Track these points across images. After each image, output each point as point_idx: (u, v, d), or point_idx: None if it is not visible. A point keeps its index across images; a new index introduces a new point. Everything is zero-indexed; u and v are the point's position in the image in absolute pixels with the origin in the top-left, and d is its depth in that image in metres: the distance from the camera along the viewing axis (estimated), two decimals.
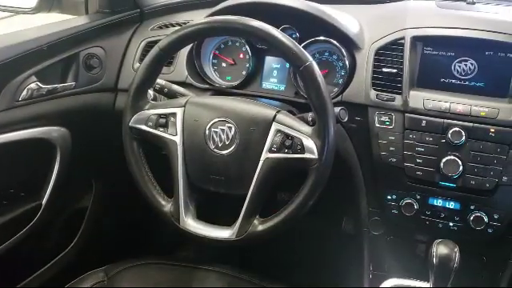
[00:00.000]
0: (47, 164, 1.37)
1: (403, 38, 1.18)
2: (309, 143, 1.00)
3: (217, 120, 1.07)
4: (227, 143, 1.06)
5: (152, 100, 1.19)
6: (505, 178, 1.09)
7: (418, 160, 1.14)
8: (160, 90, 1.20)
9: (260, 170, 1.03)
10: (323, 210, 1.32)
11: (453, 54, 1.17)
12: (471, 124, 1.11)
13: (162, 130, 1.10)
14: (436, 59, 1.18)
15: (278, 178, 1.05)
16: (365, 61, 1.21)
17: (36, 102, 1.28)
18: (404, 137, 1.15)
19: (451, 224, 1.15)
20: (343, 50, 1.23)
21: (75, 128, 1.38)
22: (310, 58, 0.99)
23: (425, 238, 1.22)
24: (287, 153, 1.01)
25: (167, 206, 1.10)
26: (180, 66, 1.36)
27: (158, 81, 1.17)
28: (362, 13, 1.33)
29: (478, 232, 1.12)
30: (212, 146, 1.07)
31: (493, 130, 1.09)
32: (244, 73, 1.36)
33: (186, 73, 1.35)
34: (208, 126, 1.07)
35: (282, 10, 1.26)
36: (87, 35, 1.39)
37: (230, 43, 1.40)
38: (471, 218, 1.12)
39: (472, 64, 1.16)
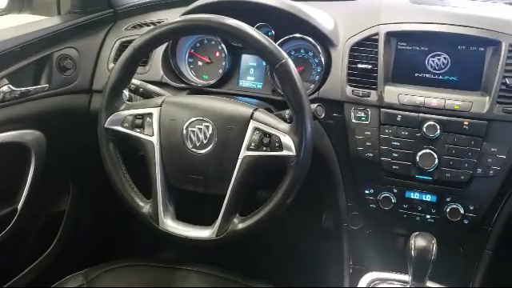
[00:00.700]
0: (22, 168, 1.34)
1: (377, 34, 1.19)
2: (286, 140, 1.00)
3: (194, 119, 1.06)
4: (205, 142, 1.05)
5: (127, 100, 1.18)
6: (479, 170, 1.11)
7: (394, 154, 1.15)
8: (135, 90, 1.19)
9: (239, 169, 1.03)
10: (303, 207, 1.32)
11: (426, 48, 1.18)
12: (445, 117, 1.12)
13: (138, 130, 1.08)
14: (410, 54, 1.19)
15: (257, 176, 1.05)
16: (340, 57, 1.22)
17: (8, 106, 1.25)
18: (380, 132, 1.16)
19: (428, 216, 1.17)
20: (319, 47, 1.24)
21: (50, 131, 1.36)
22: (286, 56, 0.99)
23: (403, 231, 1.24)
24: (265, 150, 1.01)
25: (146, 207, 1.09)
26: (155, 65, 1.35)
27: (134, 81, 1.16)
28: (336, 9, 1.34)
29: (455, 223, 1.14)
30: (190, 146, 1.06)
31: (466, 123, 1.11)
32: (220, 71, 1.35)
33: (162, 72, 1.34)
34: (185, 126, 1.06)
35: (257, 7, 1.26)
36: (60, 36, 1.37)
37: (205, 42, 1.39)
38: (447, 209, 1.14)
39: (445, 58, 1.17)
